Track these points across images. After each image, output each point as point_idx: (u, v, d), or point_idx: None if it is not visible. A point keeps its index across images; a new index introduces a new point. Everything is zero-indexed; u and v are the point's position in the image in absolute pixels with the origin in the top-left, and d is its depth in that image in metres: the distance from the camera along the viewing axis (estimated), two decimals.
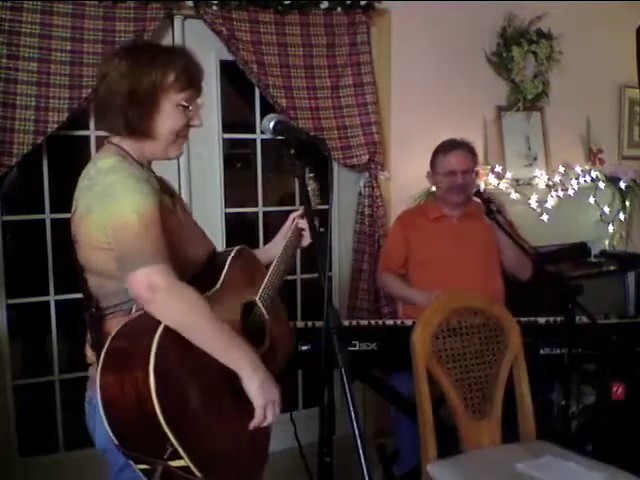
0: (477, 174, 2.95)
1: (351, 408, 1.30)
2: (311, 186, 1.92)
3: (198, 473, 1.37)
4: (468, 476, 2.08)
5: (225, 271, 1.61)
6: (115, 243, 1.44)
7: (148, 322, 1.40)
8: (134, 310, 1.51)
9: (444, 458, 2.17)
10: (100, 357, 1.40)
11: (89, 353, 1.59)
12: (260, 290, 1.70)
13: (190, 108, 1.58)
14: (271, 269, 1.76)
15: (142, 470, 1.41)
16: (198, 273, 1.59)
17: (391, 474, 2.95)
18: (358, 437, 1.26)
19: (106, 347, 1.40)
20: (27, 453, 2.97)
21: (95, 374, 1.55)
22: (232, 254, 1.66)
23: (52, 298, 2.97)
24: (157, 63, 1.53)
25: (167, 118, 1.56)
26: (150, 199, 1.46)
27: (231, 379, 1.50)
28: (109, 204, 1.44)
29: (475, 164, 2.87)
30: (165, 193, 1.62)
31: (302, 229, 1.90)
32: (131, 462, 1.40)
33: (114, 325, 1.50)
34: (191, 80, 1.58)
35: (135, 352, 1.38)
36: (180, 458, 1.36)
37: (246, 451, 1.57)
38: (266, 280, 1.73)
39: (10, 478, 2.89)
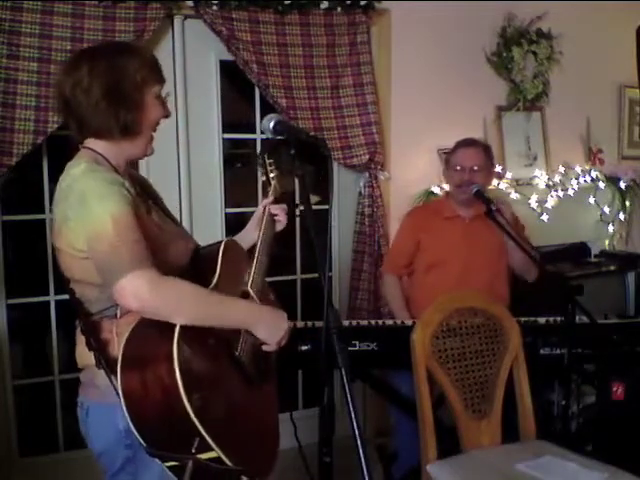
0: (491, 175, 2.91)
1: (351, 408, 1.30)
2: (274, 173, 1.94)
3: (229, 462, 1.40)
4: (468, 476, 2.08)
5: (219, 265, 1.62)
6: (91, 252, 1.43)
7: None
8: (119, 315, 1.52)
9: (444, 458, 2.17)
10: (118, 360, 1.40)
11: (81, 357, 1.59)
12: (250, 279, 1.71)
13: (164, 99, 1.61)
14: (256, 258, 1.77)
15: (170, 467, 1.42)
16: (190, 271, 1.59)
17: (391, 474, 2.95)
18: (358, 437, 1.26)
19: (122, 349, 1.41)
20: (27, 453, 2.97)
21: (87, 378, 1.57)
22: (222, 248, 1.67)
23: (52, 298, 2.97)
24: (130, 60, 1.53)
25: (151, 112, 1.57)
26: (122, 203, 1.44)
27: (239, 365, 1.55)
28: (82, 212, 1.43)
29: (488, 164, 2.83)
30: (140, 197, 1.60)
31: (275, 215, 1.90)
32: (158, 460, 1.42)
33: (108, 328, 1.52)
34: (160, 72, 1.60)
35: (156, 349, 1.40)
36: (210, 450, 1.38)
37: (261, 436, 1.62)
38: (254, 269, 1.74)
39: (10, 478, 2.89)
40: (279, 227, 1.92)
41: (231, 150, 3.46)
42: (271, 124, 1.63)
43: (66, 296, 2.90)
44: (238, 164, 3.76)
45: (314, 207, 1.62)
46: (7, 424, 2.90)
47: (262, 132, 1.72)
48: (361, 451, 1.25)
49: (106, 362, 1.47)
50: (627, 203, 4.17)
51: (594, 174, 4.02)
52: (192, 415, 1.34)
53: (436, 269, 2.81)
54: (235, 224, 3.35)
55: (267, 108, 3.09)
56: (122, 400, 1.37)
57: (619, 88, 4.22)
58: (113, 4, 2.73)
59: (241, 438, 1.49)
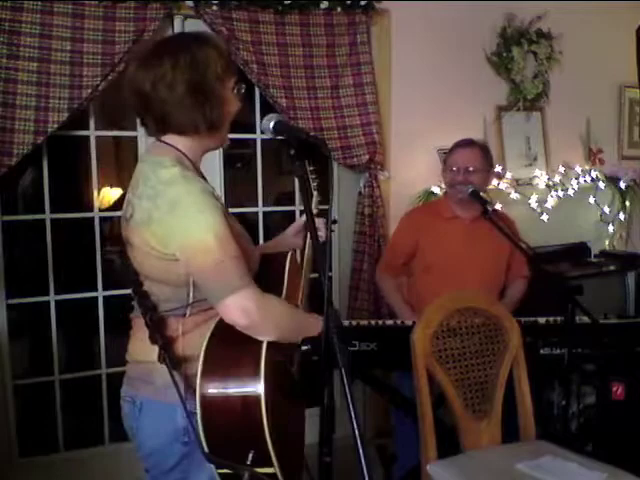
0: (489, 176, 2.89)
1: (351, 408, 1.29)
2: (315, 182, 1.94)
3: (282, 479, 1.41)
4: (468, 476, 2.08)
5: (286, 279, 1.64)
6: (191, 265, 1.42)
7: None
8: (188, 314, 1.52)
9: (444, 458, 2.17)
10: (198, 363, 1.40)
11: (138, 351, 1.58)
12: (300, 295, 1.73)
13: (240, 91, 1.60)
14: (303, 275, 1.78)
15: (222, 474, 1.42)
16: (260, 281, 1.59)
17: (391, 474, 2.95)
18: (358, 437, 1.26)
19: (204, 353, 1.41)
20: (27, 453, 2.97)
21: (140, 373, 1.55)
22: (287, 262, 1.69)
23: (52, 298, 2.97)
24: (211, 52, 1.51)
25: (230, 105, 1.57)
26: (219, 215, 1.43)
27: (293, 382, 1.57)
28: (176, 220, 1.41)
29: (485, 166, 2.81)
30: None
31: (318, 229, 1.89)
32: (212, 466, 1.42)
33: (174, 326, 1.52)
34: (233, 64, 1.60)
35: (242, 358, 1.40)
36: (269, 465, 1.38)
37: (298, 456, 1.63)
38: (302, 285, 1.75)
39: (10, 478, 2.89)
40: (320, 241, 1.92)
41: (231, 150, 3.46)
42: (271, 124, 1.62)
43: (66, 296, 2.96)
44: (238, 164, 3.77)
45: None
46: (7, 424, 2.90)
47: (262, 132, 1.72)
48: (361, 451, 1.25)
49: (170, 359, 1.45)
50: (627, 203, 4.17)
51: (594, 174, 4.02)
52: (267, 430, 1.35)
53: (435, 270, 2.80)
54: None
55: (267, 108, 3.09)
56: (198, 404, 1.37)
57: (619, 88, 4.22)
58: (113, 4, 2.73)
59: (289, 456, 1.50)
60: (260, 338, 1.42)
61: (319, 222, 1.88)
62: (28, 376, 3.07)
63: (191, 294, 1.50)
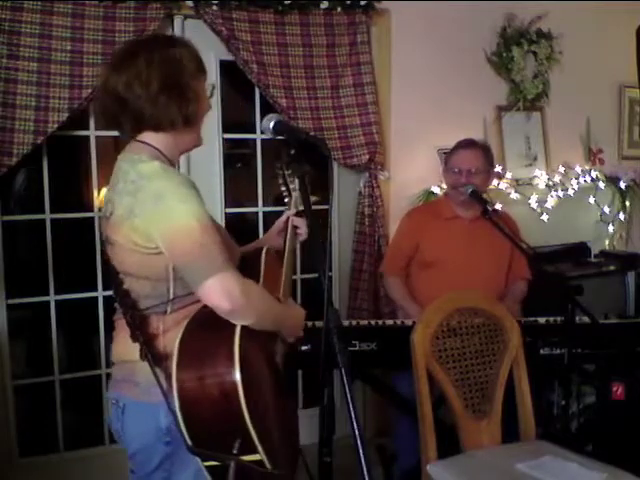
0: (490, 177, 2.88)
1: (351, 408, 1.30)
2: (294, 185, 1.96)
3: (269, 466, 1.41)
4: (468, 476, 2.08)
5: (262, 273, 1.65)
6: (173, 251, 1.43)
7: (218, 316, 1.42)
8: (169, 312, 1.52)
9: (444, 458, 2.17)
10: (172, 357, 1.40)
11: (121, 351, 1.58)
12: (281, 289, 1.73)
13: (212, 93, 1.64)
14: (284, 268, 1.78)
15: (208, 467, 1.42)
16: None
17: (391, 474, 2.95)
18: (358, 437, 1.26)
19: (178, 346, 1.41)
20: (27, 453, 2.97)
21: (124, 374, 1.55)
22: (263, 255, 1.71)
23: (52, 298, 2.97)
24: (183, 50, 1.54)
25: (203, 102, 1.59)
26: (201, 205, 1.46)
27: (277, 372, 1.57)
28: (159, 211, 1.42)
29: (487, 166, 2.81)
30: None
31: (297, 227, 1.90)
32: (197, 459, 1.42)
33: (155, 324, 1.51)
34: (203, 63, 1.61)
35: (215, 348, 1.40)
36: (254, 452, 1.39)
37: (288, 446, 1.62)
38: (283, 280, 1.75)
39: (10, 478, 2.89)
40: (300, 239, 1.93)
41: (231, 150, 3.46)
42: (271, 124, 1.63)
43: (66, 296, 2.95)
44: (238, 164, 3.77)
45: (314, 207, 1.62)
46: (7, 424, 2.90)
47: (262, 132, 1.72)
48: (361, 451, 1.25)
49: (152, 356, 1.46)
50: (627, 203, 4.17)
51: (594, 174, 4.02)
52: (247, 417, 1.35)
53: (435, 269, 2.80)
54: (235, 224, 3.35)
55: (267, 108, 3.09)
56: (176, 397, 1.37)
57: (619, 88, 4.22)
58: (113, 4, 2.73)
59: (277, 444, 1.50)
60: (241, 322, 1.41)
61: (299, 221, 1.89)
62: (28, 376, 3.07)
63: (171, 290, 1.51)
